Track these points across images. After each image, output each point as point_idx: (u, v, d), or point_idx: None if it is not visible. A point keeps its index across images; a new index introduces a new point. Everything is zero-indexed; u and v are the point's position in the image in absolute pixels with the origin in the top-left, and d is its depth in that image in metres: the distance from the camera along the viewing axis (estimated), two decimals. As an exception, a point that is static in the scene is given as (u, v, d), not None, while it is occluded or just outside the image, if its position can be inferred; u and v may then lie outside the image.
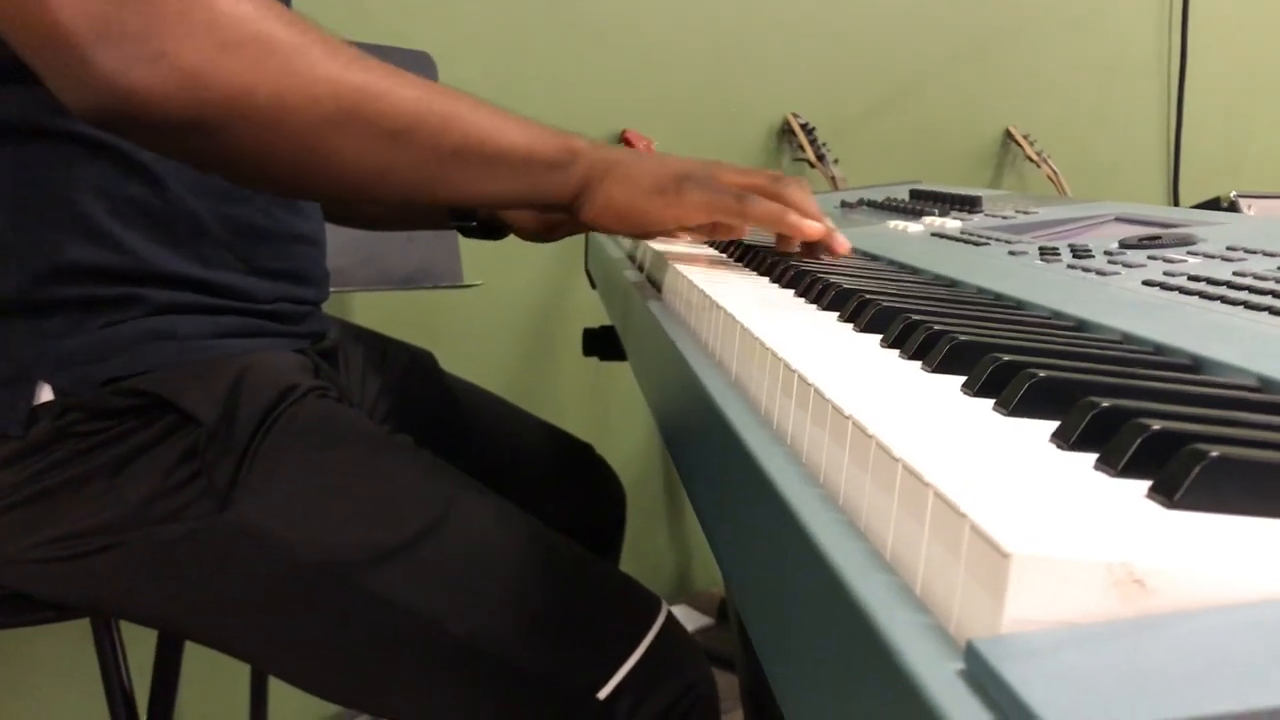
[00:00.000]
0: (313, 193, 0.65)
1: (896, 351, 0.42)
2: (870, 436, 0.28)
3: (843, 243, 0.70)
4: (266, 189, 0.69)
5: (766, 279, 0.64)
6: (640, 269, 0.86)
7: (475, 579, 0.68)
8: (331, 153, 0.57)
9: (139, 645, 0.81)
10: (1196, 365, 0.39)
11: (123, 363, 0.67)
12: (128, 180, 0.68)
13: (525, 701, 0.68)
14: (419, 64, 1.38)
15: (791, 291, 0.58)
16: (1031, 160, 2.22)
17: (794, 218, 0.67)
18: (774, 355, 0.38)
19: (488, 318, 1.67)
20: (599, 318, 1.20)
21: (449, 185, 0.62)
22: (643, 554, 1.91)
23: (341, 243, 0.88)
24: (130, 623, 0.74)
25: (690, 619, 1.87)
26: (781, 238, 0.71)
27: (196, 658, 0.95)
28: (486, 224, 0.90)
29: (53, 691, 1.35)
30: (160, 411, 0.66)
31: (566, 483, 1.01)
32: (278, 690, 1.14)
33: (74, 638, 1.16)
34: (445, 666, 0.68)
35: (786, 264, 0.63)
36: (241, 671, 1.12)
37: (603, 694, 0.68)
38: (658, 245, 0.80)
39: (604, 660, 0.69)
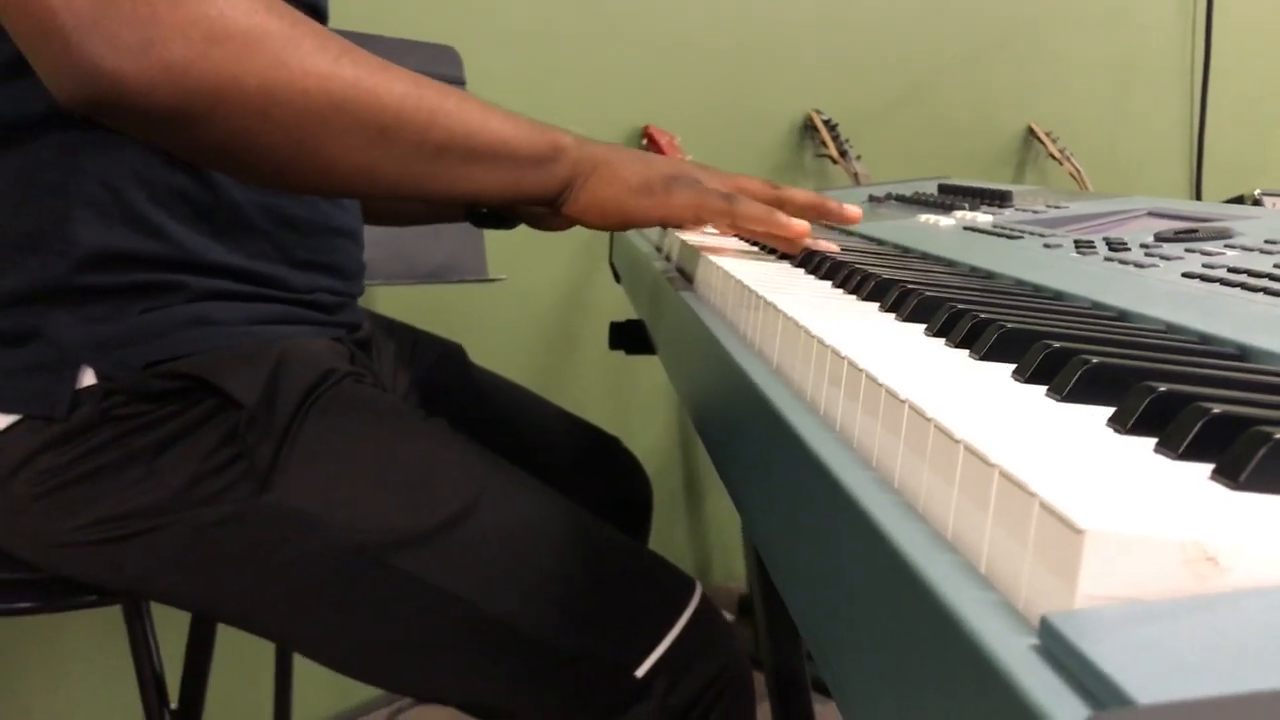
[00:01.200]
0: (299, 185, 0.64)
1: (942, 340, 0.42)
2: (929, 420, 0.28)
3: (844, 207, 0.71)
4: (252, 181, 0.69)
5: (802, 270, 0.64)
6: (668, 260, 0.86)
7: (511, 560, 0.69)
8: (320, 146, 0.57)
9: (166, 634, 0.82)
10: (1244, 354, 0.39)
11: (163, 347, 0.67)
12: (171, 169, 0.68)
13: (561, 681, 0.69)
14: (444, 58, 1.39)
15: (829, 283, 0.58)
16: (1054, 157, 2.21)
17: (782, 217, 0.67)
18: (820, 343, 0.39)
19: (511, 312, 1.68)
20: (621, 312, 1.20)
21: (435, 180, 0.62)
22: (662, 550, 1.91)
23: (369, 237, 0.89)
24: (164, 605, 0.74)
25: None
26: (784, 241, 0.68)
27: (222, 642, 0.96)
28: (497, 212, 0.91)
29: (82, 680, 1.36)
30: (201, 395, 0.67)
31: (594, 474, 1.01)
32: (302, 676, 1.15)
33: (104, 626, 1.18)
34: (481, 647, 0.68)
35: (822, 256, 0.63)
36: (266, 655, 1.13)
37: (639, 673, 0.68)
38: (686, 236, 0.80)
39: (640, 640, 0.69)
